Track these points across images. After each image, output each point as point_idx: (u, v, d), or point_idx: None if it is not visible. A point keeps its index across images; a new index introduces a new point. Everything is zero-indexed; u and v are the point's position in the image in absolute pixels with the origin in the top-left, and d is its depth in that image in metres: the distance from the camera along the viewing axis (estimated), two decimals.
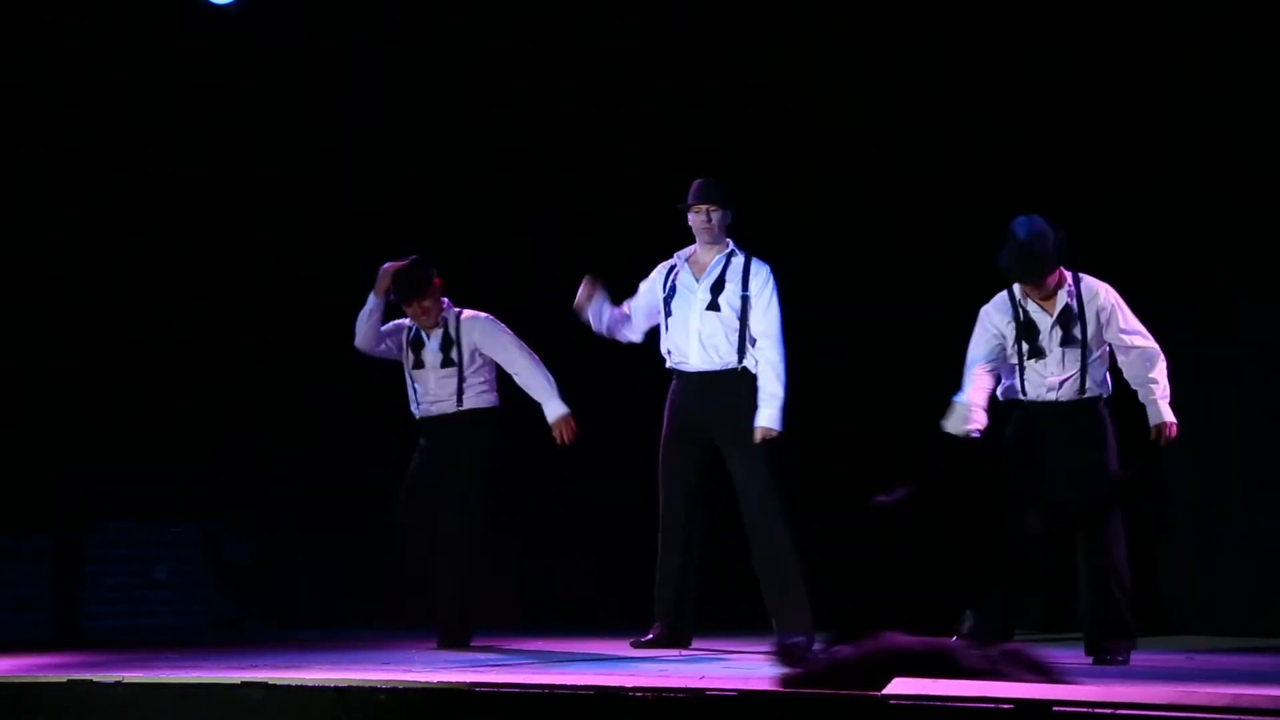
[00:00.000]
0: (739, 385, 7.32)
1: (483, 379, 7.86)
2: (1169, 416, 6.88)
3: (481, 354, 7.84)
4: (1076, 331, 6.88)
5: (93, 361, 9.75)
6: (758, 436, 7.25)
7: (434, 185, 10.22)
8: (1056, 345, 6.91)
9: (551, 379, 7.83)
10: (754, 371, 7.34)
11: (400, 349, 7.94)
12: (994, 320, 7.03)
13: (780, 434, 7.24)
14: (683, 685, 5.21)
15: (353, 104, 10.21)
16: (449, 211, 10.03)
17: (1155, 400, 6.89)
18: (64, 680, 6.06)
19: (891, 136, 9.06)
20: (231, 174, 10.13)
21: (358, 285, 10.07)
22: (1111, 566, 6.83)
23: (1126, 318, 6.93)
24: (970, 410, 6.89)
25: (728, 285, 7.36)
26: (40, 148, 9.68)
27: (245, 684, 5.69)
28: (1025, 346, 6.94)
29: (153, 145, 9.95)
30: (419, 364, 7.87)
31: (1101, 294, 6.93)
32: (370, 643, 7.98)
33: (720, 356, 7.34)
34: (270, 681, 5.66)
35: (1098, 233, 8.30)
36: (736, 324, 7.32)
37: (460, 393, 7.82)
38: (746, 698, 5.05)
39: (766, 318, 7.33)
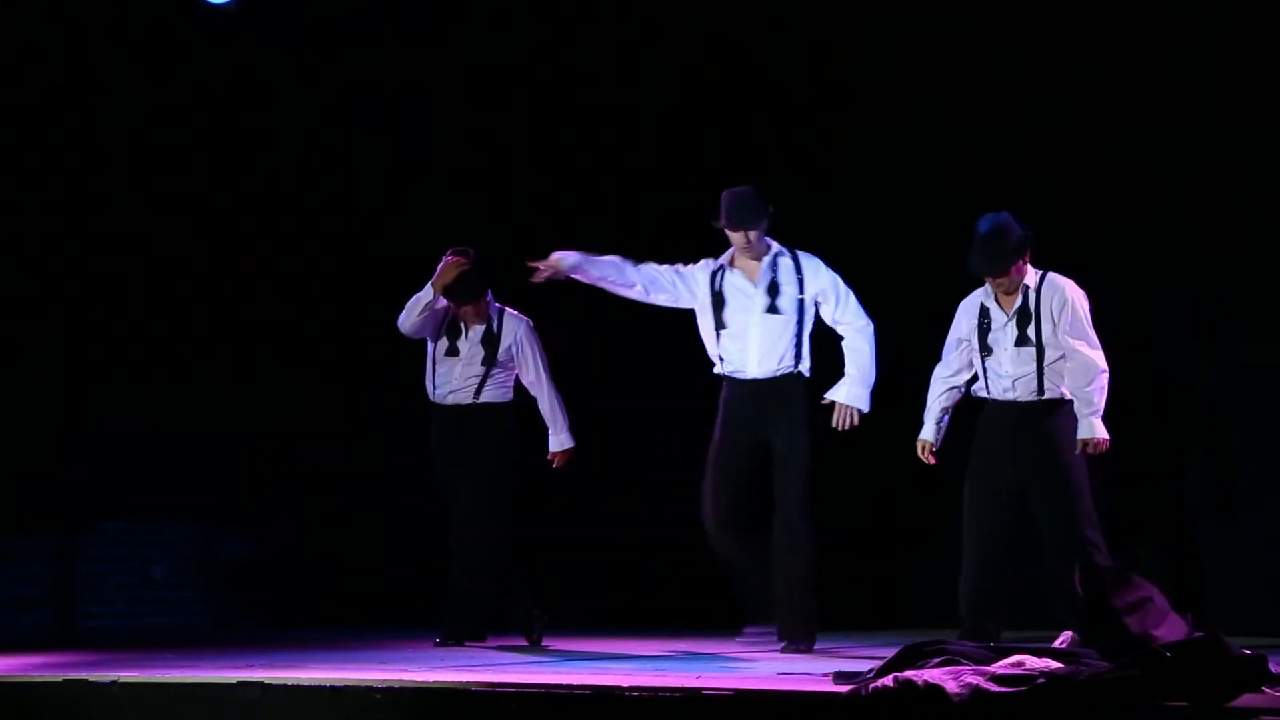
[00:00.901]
0: (796, 388, 7.28)
1: (505, 375, 7.94)
2: (1098, 434, 6.84)
3: (511, 353, 7.92)
4: (1030, 331, 6.91)
5: (90, 361, 9.74)
6: (841, 415, 7.24)
7: (431, 184, 10.21)
8: (1011, 344, 6.94)
9: (565, 411, 7.97)
10: (807, 375, 7.32)
11: (435, 330, 7.95)
12: (963, 317, 7.10)
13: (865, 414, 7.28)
14: (679, 685, 5.21)
15: (353, 106, 10.18)
16: (445, 211, 10.01)
17: (1086, 416, 6.86)
18: (60, 680, 6.07)
19: (894, 136, 9.03)
20: (232, 173, 10.11)
21: (354, 286, 10.15)
22: (1083, 555, 6.79)
23: (1076, 323, 6.91)
24: (924, 449, 7.13)
25: (784, 288, 7.29)
26: (39, 148, 9.67)
27: (241, 683, 5.69)
28: (980, 343, 7.00)
29: (149, 146, 9.93)
30: (453, 351, 7.90)
31: (1061, 293, 6.93)
32: (367, 642, 7.97)
33: (779, 363, 7.28)
34: (266, 681, 5.67)
35: (1099, 231, 8.31)
36: (795, 327, 7.27)
37: (481, 387, 7.88)
38: (743, 697, 5.05)
39: (848, 304, 7.32)
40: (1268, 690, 4.71)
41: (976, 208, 7.17)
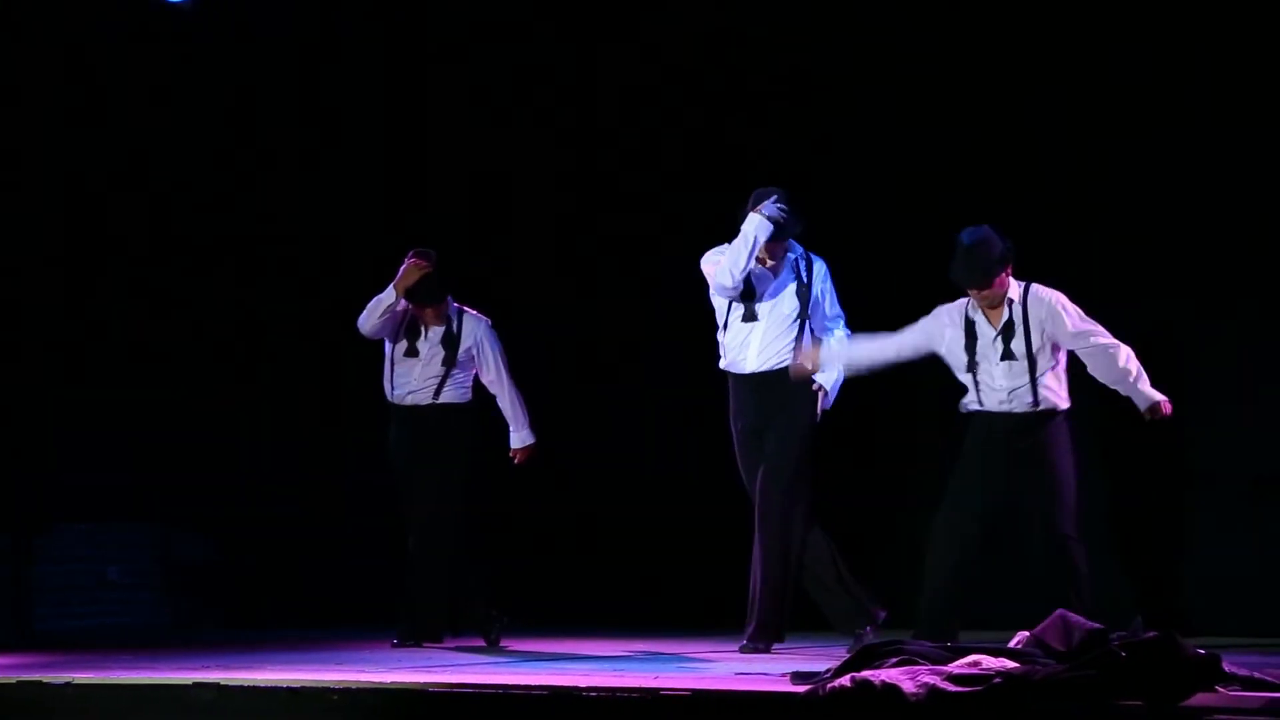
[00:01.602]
0: (795, 379, 7.31)
1: (464, 375, 7.93)
2: (1156, 395, 6.91)
3: (471, 354, 7.91)
4: (1017, 345, 6.96)
5: (44, 363, 9.67)
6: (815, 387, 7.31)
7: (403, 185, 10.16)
8: (998, 358, 6.98)
9: (525, 408, 7.98)
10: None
11: (394, 331, 7.92)
12: (941, 318, 7.12)
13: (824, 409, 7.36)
14: (637, 685, 5.22)
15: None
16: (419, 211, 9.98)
17: (1136, 387, 6.92)
18: (14, 681, 6.03)
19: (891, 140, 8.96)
20: (192, 172, 10.05)
21: (314, 287, 10.10)
22: (1071, 568, 6.88)
23: (1074, 320, 6.97)
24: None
25: (794, 284, 7.37)
26: None
27: (197, 685, 5.68)
28: (967, 358, 7.04)
29: (115, 145, 9.85)
30: (412, 352, 7.88)
31: (1046, 303, 6.98)
32: (324, 643, 7.95)
33: (780, 357, 7.32)
34: (222, 682, 5.65)
35: (1100, 229, 8.29)
36: (800, 324, 7.34)
37: (440, 387, 7.87)
38: (700, 698, 5.06)
39: (835, 304, 7.46)
40: (1221, 689, 4.75)
41: (951, 220, 7.19)
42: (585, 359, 9.53)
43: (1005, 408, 7.00)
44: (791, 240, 7.39)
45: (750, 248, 7.22)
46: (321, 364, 9.93)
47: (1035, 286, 7.03)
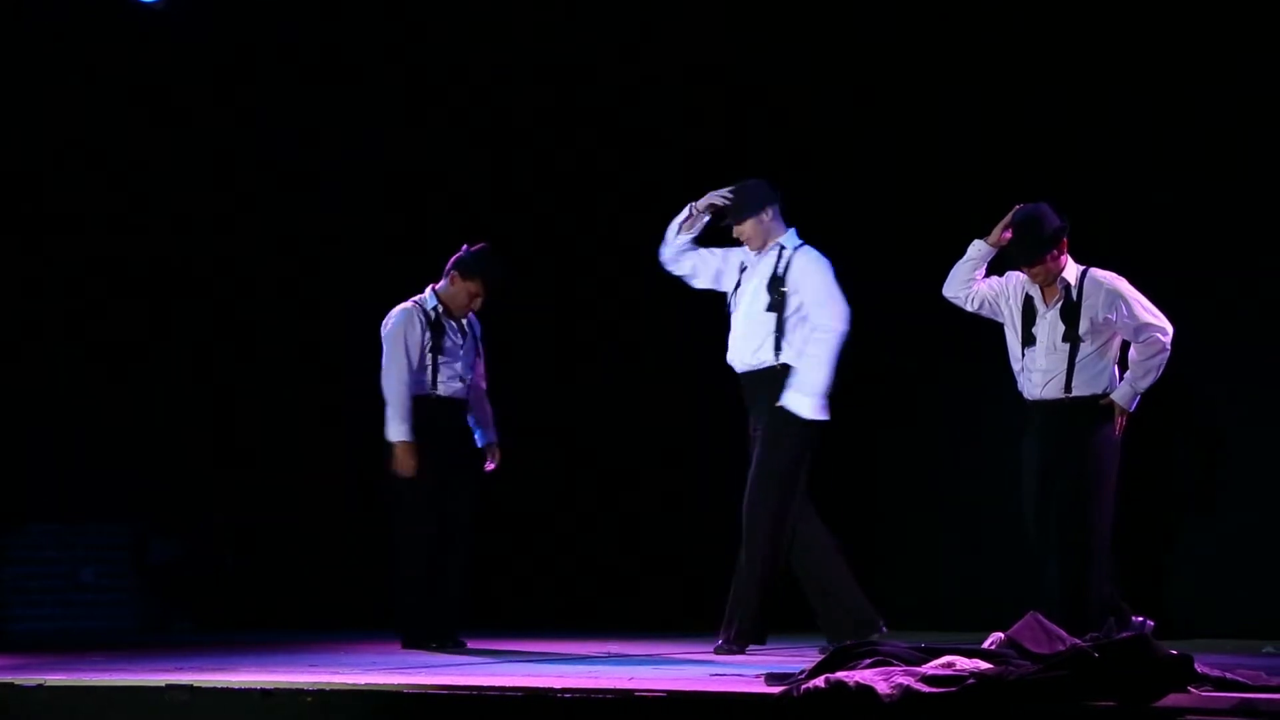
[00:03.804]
0: (779, 380, 7.10)
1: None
2: (1128, 404, 6.83)
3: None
4: (1070, 326, 6.82)
5: (17, 363, 9.65)
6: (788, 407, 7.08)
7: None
8: (1046, 338, 6.87)
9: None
10: (794, 366, 7.12)
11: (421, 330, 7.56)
12: (1009, 283, 6.99)
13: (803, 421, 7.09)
14: (612, 686, 5.22)
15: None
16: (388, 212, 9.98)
17: (1128, 382, 6.83)
18: None
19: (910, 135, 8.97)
20: (174, 174, 10.04)
21: (291, 288, 10.09)
22: (1085, 559, 6.79)
23: (1133, 310, 6.83)
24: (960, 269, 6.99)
25: (769, 276, 7.16)
26: None
27: (171, 686, 5.65)
28: (1021, 331, 6.93)
29: (85, 143, 9.84)
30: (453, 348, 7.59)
31: (1105, 288, 6.84)
32: (298, 645, 7.93)
33: (759, 356, 7.14)
34: (196, 684, 5.63)
35: (1110, 226, 8.32)
36: (775, 321, 7.11)
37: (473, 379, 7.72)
38: (675, 699, 5.06)
39: (819, 307, 7.13)
40: (1193, 690, 4.76)
41: (952, 219, 7.19)
42: (562, 361, 9.54)
43: (1036, 394, 6.91)
44: (793, 231, 7.20)
45: (671, 222, 7.25)
46: (299, 365, 9.92)
47: (1094, 271, 6.89)
